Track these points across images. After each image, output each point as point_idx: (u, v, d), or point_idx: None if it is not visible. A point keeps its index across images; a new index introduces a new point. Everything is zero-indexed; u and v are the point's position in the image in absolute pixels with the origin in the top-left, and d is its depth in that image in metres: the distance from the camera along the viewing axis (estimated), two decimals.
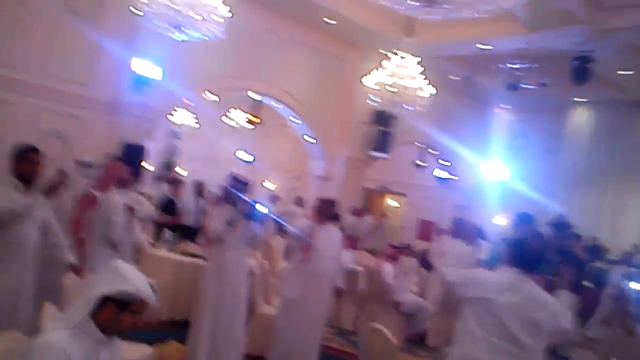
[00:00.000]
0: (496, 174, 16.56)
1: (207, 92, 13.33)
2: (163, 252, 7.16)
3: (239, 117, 18.65)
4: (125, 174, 5.51)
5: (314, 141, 14.42)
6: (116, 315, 2.44)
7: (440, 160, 16.98)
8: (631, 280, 7.17)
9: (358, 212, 14.70)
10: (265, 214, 5.37)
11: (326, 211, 5.78)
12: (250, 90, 13.90)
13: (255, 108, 16.66)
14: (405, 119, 14.25)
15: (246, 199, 5.38)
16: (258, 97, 15.06)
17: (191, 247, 7.51)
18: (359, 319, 8.31)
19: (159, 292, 2.57)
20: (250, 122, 16.42)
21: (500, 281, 3.44)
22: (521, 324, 3.32)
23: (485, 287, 3.43)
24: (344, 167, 14.50)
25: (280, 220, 9.39)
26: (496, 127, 17.40)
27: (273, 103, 14.02)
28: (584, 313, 9.70)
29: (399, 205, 21.54)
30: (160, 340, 5.95)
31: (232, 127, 19.03)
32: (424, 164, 17.72)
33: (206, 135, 22.67)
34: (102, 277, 2.52)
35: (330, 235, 5.88)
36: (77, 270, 4.40)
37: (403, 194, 20.25)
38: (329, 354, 6.35)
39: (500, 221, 16.97)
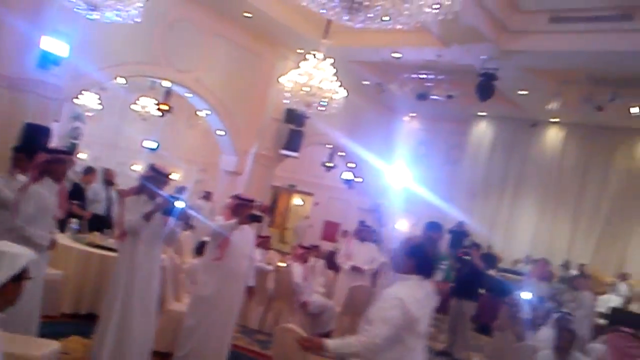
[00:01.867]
0: (400, 180, 17.07)
1: (117, 77, 12.89)
2: (68, 242, 6.87)
3: (148, 105, 18.17)
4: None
5: (223, 134, 14.28)
6: (16, 290, 2.52)
7: (347, 163, 17.28)
8: (522, 289, 7.62)
9: (265, 210, 14.68)
10: (183, 209, 5.23)
11: (245, 210, 5.75)
12: (162, 78, 13.55)
13: (165, 96, 16.28)
14: (316, 119, 14.41)
15: (165, 193, 5.26)
16: (168, 85, 14.75)
17: (99, 238, 7.25)
18: (266, 318, 8.35)
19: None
20: (159, 109, 16.00)
21: (417, 298, 3.45)
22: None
23: (409, 315, 3.38)
24: (253, 163, 14.47)
25: (198, 215, 9.24)
26: (403, 134, 17.95)
27: (185, 93, 13.75)
28: (478, 318, 10.25)
29: (302, 204, 21.77)
30: (63, 334, 5.80)
31: (140, 114, 18.50)
32: (332, 165, 17.98)
33: (111, 120, 21.99)
34: None
35: (245, 233, 5.86)
36: None
37: (310, 194, 20.48)
38: (235, 352, 6.34)
39: (402, 226, 17.54)
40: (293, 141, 14.74)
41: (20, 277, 2.53)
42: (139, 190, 5.30)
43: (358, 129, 16.21)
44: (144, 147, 21.27)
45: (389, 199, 17.16)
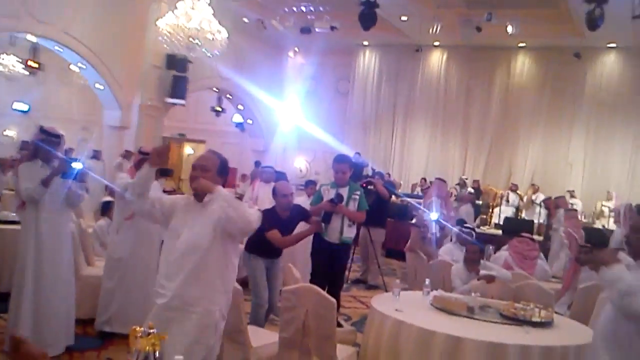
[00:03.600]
0: (291, 118, 17.01)
1: None
2: None
3: (11, 63, 16.72)
4: None
5: (102, 88, 13.47)
6: None
7: (237, 106, 16.94)
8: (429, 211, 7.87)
9: (97, 156, 14.01)
10: (82, 170, 4.89)
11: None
12: (24, 31, 12.41)
13: (32, 52, 15.04)
14: (200, 63, 13.93)
15: (59, 154, 4.89)
16: (34, 40, 13.63)
17: None
18: None
19: None
20: (28, 67, 14.78)
21: None
22: None
23: None
24: (139, 115, 13.81)
25: (94, 176, 8.70)
26: (290, 71, 17.75)
27: (55, 47, 12.72)
28: (387, 244, 10.54)
29: (194, 152, 21.25)
30: None
31: (4, 74, 17.03)
32: (221, 110, 17.56)
33: None
34: None
35: (154, 189, 5.58)
36: None
37: (202, 141, 19.96)
38: None
39: (300, 163, 17.62)
40: (178, 88, 14.16)
41: None
42: (33, 155, 4.90)
43: (244, 70, 15.81)
44: (14, 110, 19.79)
45: (282, 138, 17.13)
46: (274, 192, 5.90)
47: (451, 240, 7.25)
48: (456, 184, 14.35)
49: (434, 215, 7.41)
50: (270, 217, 5.78)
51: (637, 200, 12.52)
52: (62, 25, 12.04)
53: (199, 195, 3.46)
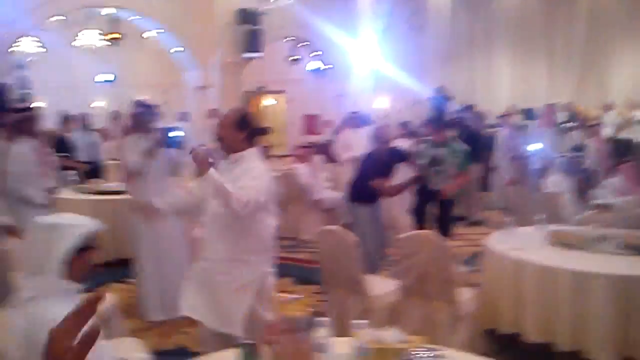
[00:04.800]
0: (369, 58, 16.66)
1: (53, 16, 12.03)
2: (72, 195, 6.61)
3: (92, 38, 17.15)
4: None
5: (182, 49, 13.63)
6: (86, 261, 2.38)
7: (313, 52, 16.73)
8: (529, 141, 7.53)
9: (184, 117, 14.13)
10: (182, 137, 4.97)
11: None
12: (106, 5, 12.70)
13: (111, 24, 15.33)
14: (272, 15, 13.81)
15: (158, 124, 5.00)
16: (112, 11, 13.89)
17: (101, 184, 6.99)
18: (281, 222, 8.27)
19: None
20: (111, 39, 15.11)
21: None
22: None
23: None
24: (219, 73, 13.91)
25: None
26: (363, 10, 17.28)
27: (131, 17, 12.96)
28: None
29: (276, 102, 21.33)
30: (101, 284, 5.76)
31: (87, 48, 17.52)
32: (297, 58, 17.41)
33: (58, 62, 20.91)
34: (47, 237, 2.33)
35: None
36: (14, 231, 3.93)
37: (282, 91, 19.97)
38: None
39: (382, 104, 17.34)
40: (253, 41, 14.11)
41: (84, 248, 2.35)
42: (134, 128, 5.03)
43: (316, 14, 15.53)
44: (99, 81, 20.44)
45: (360, 80, 16.83)
46: (374, 137, 5.93)
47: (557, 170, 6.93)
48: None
49: (537, 145, 7.09)
50: (370, 162, 5.82)
51: None
52: None
53: (229, 155, 3.51)
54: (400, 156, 5.97)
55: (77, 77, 21.28)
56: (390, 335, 2.36)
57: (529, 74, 15.67)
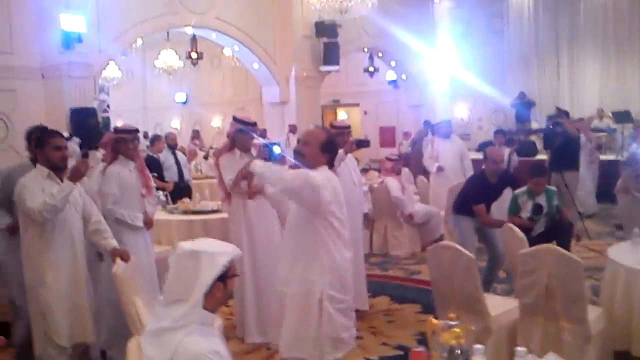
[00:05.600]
0: (446, 66, 16.31)
1: (137, 39, 12.30)
2: (162, 216, 6.62)
3: (170, 59, 17.54)
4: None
5: (257, 67, 13.69)
6: (224, 290, 2.32)
7: (390, 62, 16.53)
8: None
9: (294, 130, 14.07)
10: (281, 153, 4.86)
11: (344, 138, 5.39)
12: (183, 25, 12.87)
13: (192, 44, 15.62)
14: (348, 26, 13.69)
15: (259, 140, 4.90)
16: (189, 31, 14.12)
17: (192, 204, 7.00)
18: (372, 239, 8.09)
19: None
20: (190, 58, 15.39)
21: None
22: None
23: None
24: (296, 87, 13.87)
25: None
26: (439, 18, 16.96)
27: (210, 35, 13.10)
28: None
29: (347, 117, 21.22)
30: None
31: (164, 69, 17.90)
32: (373, 70, 17.25)
33: (135, 84, 21.58)
34: (193, 265, 2.25)
35: (349, 161, 5.53)
36: (123, 255, 3.90)
37: (356, 104, 19.84)
38: None
39: (460, 112, 16.95)
40: (330, 54, 14.01)
41: (225, 276, 2.30)
42: (231, 146, 4.95)
43: (391, 25, 15.31)
44: (175, 102, 20.92)
45: (438, 89, 16.48)
46: (485, 157, 5.82)
47: None
48: None
49: None
50: (478, 183, 5.78)
51: None
52: (214, 12, 12.32)
53: None
54: (511, 181, 5.78)
55: (153, 98, 21.92)
56: None
57: (620, 76, 14.85)
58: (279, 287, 3.45)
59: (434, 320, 2.12)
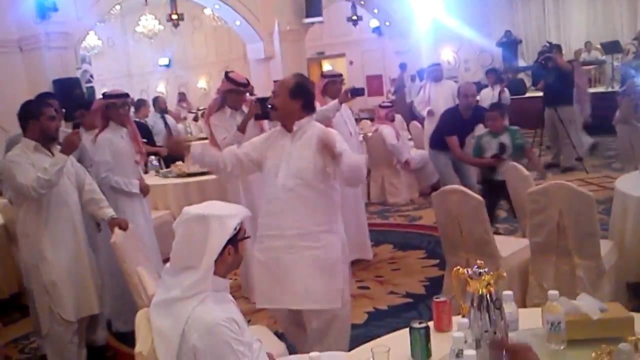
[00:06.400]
0: (429, 10, 15.98)
1: (115, 5, 11.94)
2: (157, 181, 6.50)
3: (150, 24, 17.10)
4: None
5: (239, 24, 13.37)
6: (235, 254, 2.21)
7: (373, 10, 16.20)
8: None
9: None
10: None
11: (339, 87, 5.29)
12: None
13: (172, 6, 15.18)
14: None
15: (251, 97, 4.77)
16: None
17: (186, 167, 6.87)
18: (369, 188, 8.03)
19: None
20: (172, 20, 14.99)
21: None
22: None
23: None
24: (281, 42, 13.58)
25: None
26: None
27: None
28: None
29: (332, 68, 20.92)
30: None
31: (144, 34, 17.48)
32: (357, 18, 16.91)
33: (116, 51, 21.14)
34: (202, 229, 2.12)
35: (344, 111, 5.42)
36: (121, 224, 3.79)
37: (341, 55, 19.53)
38: None
39: (447, 55, 16.72)
40: (312, 6, 13.67)
41: (235, 239, 2.18)
42: (221, 104, 4.79)
43: None
44: (159, 66, 20.55)
45: (423, 34, 16.19)
46: (458, 93, 6.08)
47: None
48: (633, 39, 12.84)
49: None
50: (451, 117, 5.91)
51: None
52: None
53: (286, 125, 3.24)
54: (482, 117, 5.72)
55: (135, 64, 21.51)
56: (587, 306, 2.03)
57: (607, 5, 14.64)
58: (275, 242, 3.22)
59: (461, 269, 2.03)
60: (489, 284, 1.88)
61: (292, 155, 3.18)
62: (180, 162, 7.21)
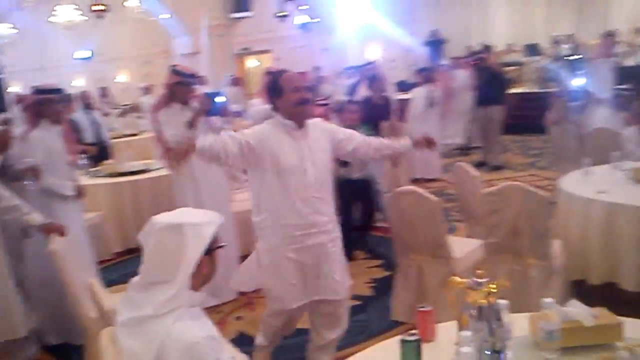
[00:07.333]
0: (356, 8, 16.05)
1: None
2: (87, 180, 6.15)
3: (69, 14, 16.28)
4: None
5: (167, 17, 13.01)
6: (211, 264, 2.04)
7: (299, 7, 16.11)
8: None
9: (237, 82, 13.71)
10: (224, 103, 4.56)
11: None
12: None
13: None
14: None
15: (199, 91, 4.58)
16: None
17: (116, 166, 6.55)
18: None
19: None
20: (95, 11, 14.32)
21: None
22: None
23: None
24: (209, 37, 13.31)
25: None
26: None
27: None
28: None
29: (259, 64, 20.71)
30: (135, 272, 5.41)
31: (63, 25, 16.64)
32: (285, 14, 16.75)
33: (33, 42, 20.04)
34: (176, 239, 1.94)
35: None
36: (54, 229, 3.52)
37: (268, 51, 19.31)
38: None
39: (374, 53, 16.83)
40: (241, 0, 13.52)
41: (211, 249, 2.01)
42: (169, 99, 4.56)
43: None
44: (77, 59, 19.64)
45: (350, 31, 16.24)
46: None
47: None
48: (551, 44, 13.36)
49: (579, 82, 6.68)
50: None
51: None
52: None
53: (300, 120, 3.16)
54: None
55: (53, 56, 20.49)
56: (579, 312, 2.02)
57: (527, 10, 15.22)
58: (318, 239, 3.20)
59: (459, 279, 1.97)
60: (488, 294, 1.83)
61: (314, 150, 3.13)
62: (110, 161, 6.89)
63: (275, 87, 3.15)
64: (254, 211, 3.24)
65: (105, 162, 6.90)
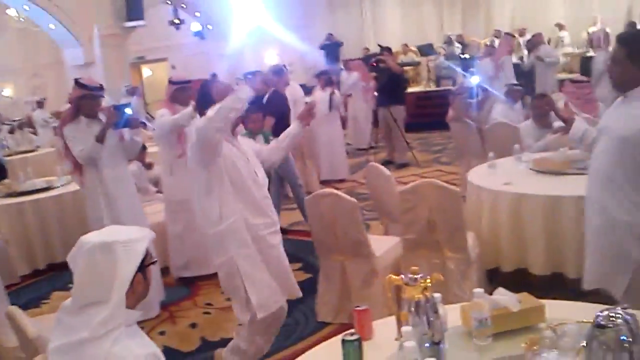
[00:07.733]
0: (252, 12, 16.02)
1: None
2: None
3: None
4: None
5: (54, 27, 12.45)
6: (144, 281, 1.99)
7: (195, 13, 15.91)
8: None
9: (134, 92, 13.37)
10: (133, 115, 4.44)
11: (189, 94, 5.11)
12: None
13: None
14: None
15: (107, 104, 4.44)
16: None
17: (15, 184, 6.22)
18: None
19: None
20: None
21: None
22: None
23: None
24: (101, 47, 12.85)
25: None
26: None
27: None
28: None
29: (152, 73, 20.24)
30: (44, 296, 5.45)
31: None
32: (179, 22, 16.50)
33: None
34: (108, 259, 1.88)
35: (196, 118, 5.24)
36: None
37: (164, 59, 18.92)
38: None
39: (271, 58, 16.87)
40: (133, 8, 13.14)
41: (143, 265, 1.95)
42: (75, 114, 4.38)
43: None
44: None
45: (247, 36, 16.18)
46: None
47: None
48: (444, 43, 13.95)
49: (475, 79, 7.02)
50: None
51: (623, 22, 12.32)
52: None
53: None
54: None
55: None
56: (505, 299, 2.14)
57: (418, 11, 15.81)
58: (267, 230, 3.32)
59: (395, 277, 2.04)
60: (425, 288, 1.90)
61: (251, 154, 3.36)
62: (7, 180, 6.53)
63: (206, 97, 3.16)
64: (211, 221, 3.18)
65: (2, 182, 6.52)
